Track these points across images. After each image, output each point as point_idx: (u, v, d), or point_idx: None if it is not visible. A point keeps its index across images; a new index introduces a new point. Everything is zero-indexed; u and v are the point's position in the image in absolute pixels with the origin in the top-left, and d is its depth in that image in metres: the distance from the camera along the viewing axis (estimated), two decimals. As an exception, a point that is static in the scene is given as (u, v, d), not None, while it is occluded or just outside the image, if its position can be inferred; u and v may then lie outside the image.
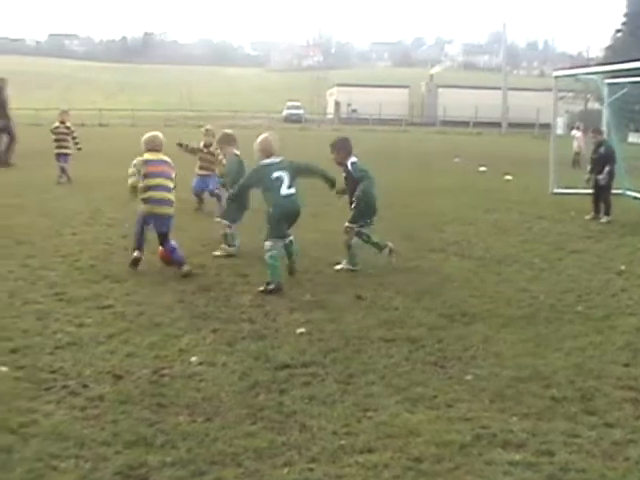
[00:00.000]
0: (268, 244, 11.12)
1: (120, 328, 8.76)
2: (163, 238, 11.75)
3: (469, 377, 7.50)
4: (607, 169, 18.69)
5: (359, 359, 7.96)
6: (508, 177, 28.25)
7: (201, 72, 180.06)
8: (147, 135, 12.09)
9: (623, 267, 12.96)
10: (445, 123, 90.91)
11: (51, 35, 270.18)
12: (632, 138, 48.38)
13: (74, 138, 23.36)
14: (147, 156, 11.66)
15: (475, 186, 25.31)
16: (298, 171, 11.76)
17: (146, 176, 11.51)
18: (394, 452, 5.84)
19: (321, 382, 7.27)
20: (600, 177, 18.66)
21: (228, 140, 14.18)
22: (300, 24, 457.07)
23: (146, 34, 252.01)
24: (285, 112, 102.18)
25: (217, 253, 13.05)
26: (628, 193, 23.64)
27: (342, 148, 12.61)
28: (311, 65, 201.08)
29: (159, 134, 12.08)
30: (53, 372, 7.33)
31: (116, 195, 19.43)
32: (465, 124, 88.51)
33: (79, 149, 23.48)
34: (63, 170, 23.06)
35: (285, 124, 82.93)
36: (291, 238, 11.66)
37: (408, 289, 10.98)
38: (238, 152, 13.84)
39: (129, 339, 8.38)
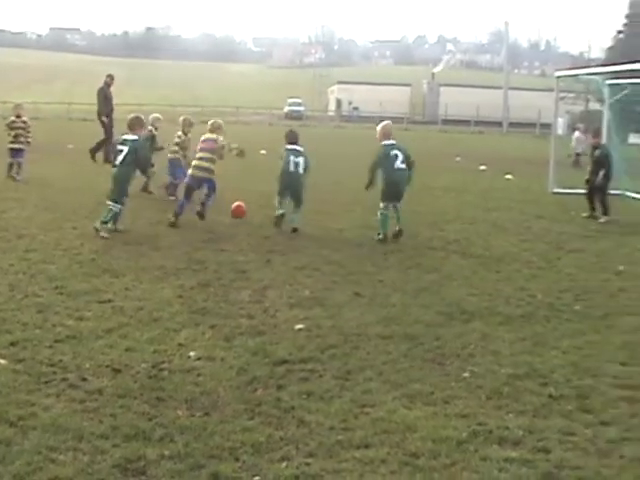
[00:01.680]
0: (382, 205, 14.77)
1: (119, 322, 8.79)
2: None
3: (466, 374, 7.54)
4: (602, 172, 18.76)
5: (357, 355, 8.00)
6: (508, 176, 28.26)
7: (204, 68, 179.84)
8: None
9: (622, 267, 12.98)
10: (446, 122, 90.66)
11: (52, 29, 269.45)
12: (633, 139, 48.29)
13: (28, 133, 22.46)
14: None
15: (476, 185, 25.33)
16: (407, 154, 14.91)
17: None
18: (391, 448, 5.87)
19: (319, 378, 7.30)
20: (596, 179, 18.75)
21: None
22: (302, 21, 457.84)
23: (148, 29, 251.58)
24: (286, 109, 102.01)
25: None
26: (628, 194, 23.64)
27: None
28: (313, 62, 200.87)
29: None
30: (52, 365, 7.35)
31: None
32: (467, 123, 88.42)
33: (28, 142, 22.46)
34: (19, 165, 21.70)
35: (286, 121, 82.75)
36: (397, 205, 14.82)
37: (407, 286, 11.03)
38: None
39: (128, 333, 8.41)
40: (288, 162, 15.56)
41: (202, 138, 15.94)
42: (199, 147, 15.80)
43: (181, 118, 19.94)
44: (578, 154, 35.33)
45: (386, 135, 15.14)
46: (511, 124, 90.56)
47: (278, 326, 8.93)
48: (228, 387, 6.97)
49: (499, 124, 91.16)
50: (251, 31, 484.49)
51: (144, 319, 8.98)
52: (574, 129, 33.98)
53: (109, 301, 9.66)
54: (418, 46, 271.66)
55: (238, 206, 16.52)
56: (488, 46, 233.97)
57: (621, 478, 5.60)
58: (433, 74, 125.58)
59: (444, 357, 8.06)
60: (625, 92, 28.45)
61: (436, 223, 16.75)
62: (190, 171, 15.82)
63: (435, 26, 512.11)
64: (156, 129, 19.51)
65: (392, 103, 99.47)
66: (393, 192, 14.74)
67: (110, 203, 14.20)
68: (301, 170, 15.65)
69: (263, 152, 31.45)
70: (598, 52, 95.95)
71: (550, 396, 7.06)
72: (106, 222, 14.03)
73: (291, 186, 15.65)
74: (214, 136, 15.90)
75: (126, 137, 14.77)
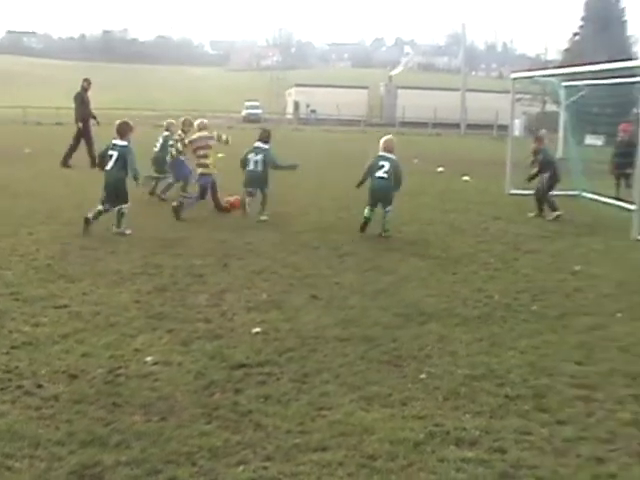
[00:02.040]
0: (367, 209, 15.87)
1: (76, 328, 8.73)
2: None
3: (423, 376, 7.57)
4: (546, 175, 19.06)
5: (314, 358, 8.01)
6: (466, 178, 28.37)
7: (161, 71, 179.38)
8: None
9: (578, 267, 13.08)
10: (404, 124, 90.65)
11: (9, 32, 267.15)
12: (589, 140, 48.74)
13: None
14: None
15: (433, 187, 25.41)
16: (396, 169, 15.92)
17: None
18: (348, 450, 5.88)
19: (276, 381, 7.30)
20: (542, 183, 19.15)
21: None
22: (260, 24, 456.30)
23: (105, 32, 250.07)
24: (244, 112, 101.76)
25: None
26: (584, 194, 23.84)
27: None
28: (270, 65, 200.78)
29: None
30: (8, 372, 7.31)
31: (72, 194, 19.36)
32: (424, 125, 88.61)
33: None
34: None
35: (244, 124, 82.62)
36: (388, 209, 15.74)
37: (364, 288, 11.05)
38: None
39: (85, 339, 8.37)
40: (248, 160, 17.32)
41: (194, 138, 17.76)
42: (195, 146, 17.59)
43: (182, 119, 20.26)
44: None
45: (386, 149, 16.16)
46: (469, 126, 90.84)
47: (235, 330, 8.91)
48: (185, 392, 6.95)
49: (457, 126, 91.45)
50: (208, 34, 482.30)
51: (100, 324, 8.93)
52: (534, 130, 34.05)
53: (65, 306, 9.60)
54: (376, 49, 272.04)
55: (237, 199, 18.16)
56: (445, 48, 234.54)
57: (577, 477, 5.65)
58: (390, 77, 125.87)
59: (401, 359, 8.09)
60: (581, 94, 28.72)
61: (394, 225, 16.76)
62: (201, 170, 17.55)
63: (393, 29, 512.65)
64: (172, 133, 20.02)
65: (350, 106, 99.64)
66: (371, 196, 15.87)
67: (122, 206, 14.87)
68: (259, 167, 17.14)
69: (220, 155, 31.32)
70: (555, 54, 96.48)
71: (507, 396, 7.11)
72: (120, 224, 14.80)
73: (252, 182, 17.39)
74: (206, 133, 17.69)
75: (115, 142, 15.11)
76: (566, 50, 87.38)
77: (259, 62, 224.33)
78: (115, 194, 14.82)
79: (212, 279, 11.32)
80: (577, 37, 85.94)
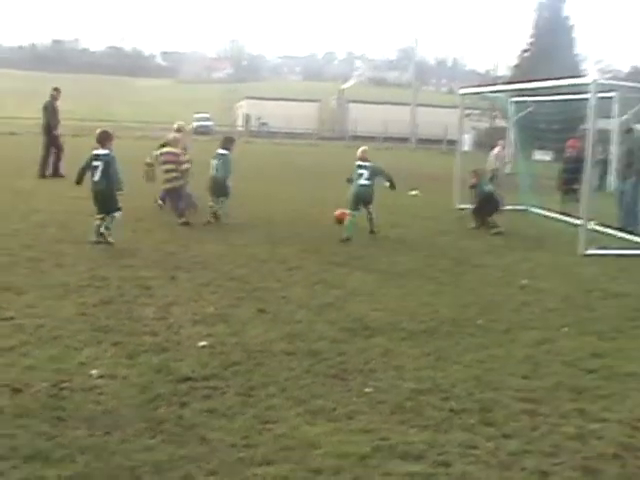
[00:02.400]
0: (348, 211, 17.65)
1: (20, 340, 8.62)
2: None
3: (369, 390, 7.58)
4: (490, 207, 19.78)
5: (260, 372, 7.99)
6: (415, 192, 28.45)
7: (112, 82, 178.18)
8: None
9: (525, 282, 13.20)
10: (355, 138, 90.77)
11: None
12: (538, 155, 49.15)
13: None
14: None
15: (381, 201, 25.42)
16: (375, 172, 18.24)
17: None
18: (293, 464, 5.87)
19: (222, 395, 7.27)
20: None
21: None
22: (211, 35, 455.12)
23: (55, 41, 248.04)
24: (194, 124, 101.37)
25: None
26: (532, 209, 24.06)
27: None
28: (222, 77, 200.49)
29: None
30: (-50, 385, 7.21)
31: (20, 204, 19.16)
32: (375, 139, 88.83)
33: None
34: None
35: (194, 136, 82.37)
36: (370, 211, 17.97)
37: (311, 303, 11.04)
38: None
39: (29, 352, 8.26)
40: (211, 166, 18.56)
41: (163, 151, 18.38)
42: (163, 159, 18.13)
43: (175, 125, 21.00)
44: (495, 170, 35.48)
45: (361, 158, 18.40)
46: (419, 140, 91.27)
47: (182, 343, 8.87)
48: (130, 405, 6.90)
49: (407, 140, 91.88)
50: (160, 45, 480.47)
51: (45, 337, 8.83)
52: (492, 146, 34.18)
53: (10, 319, 9.47)
54: (327, 62, 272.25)
55: (342, 212, 18.82)
56: (396, 63, 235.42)
57: (521, 490, 5.69)
58: (342, 90, 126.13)
59: (347, 373, 8.10)
60: (529, 109, 28.99)
61: (341, 238, 16.78)
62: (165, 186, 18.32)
63: (344, 42, 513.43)
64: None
65: (301, 119, 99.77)
66: (354, 201, 17.71)
67: (114, 214, 15.08)
68: (217, 172, 18.42)
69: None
70: (504, 70, 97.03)
71: (452, 410, 7.14)
72: (109, 228, 14.95)
73: (213, 188, 18.51)
74: (173, 150, 18.33)
75: (97, 152, 15.17)
76: (515, 66, 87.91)
77: (210, 74, 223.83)
78: (105, 203, 14.96)
79: (159, 292, 11.26)
80: (526, 54, 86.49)
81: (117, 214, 15.00)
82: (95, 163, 14.96)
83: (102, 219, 14.86)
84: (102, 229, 14.75)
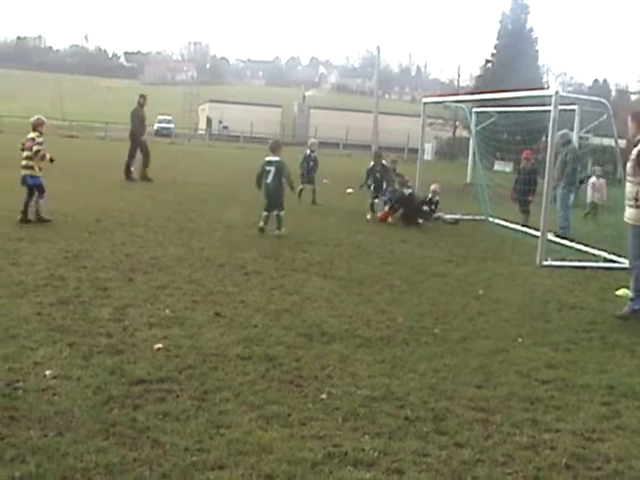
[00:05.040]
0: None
1: (-26, 339, 8.57)
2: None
3: (324, 396, 7.57)
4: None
5: (215, 376, 7.96)
6: (349, 190, 28.72)
7: (74, 81, 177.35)
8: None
9: (481, 291, 13.28)
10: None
11: None
12: (498, 166, 49.52)
13: None
14: None
15: (341, 208, 25.54)
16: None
17: None
18: (245, 469, 5.85)
19: (176, 398, 7.24)
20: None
21: None
22: (175, 38, 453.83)
23: (19, 38, 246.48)
24: (156, 125, 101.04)
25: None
26: (490, 219, 24.22)
27: None
28: (185, 80, 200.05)
29: None
30: None
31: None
32: (336, 145, 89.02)
33: None
34: None
35: (156, 138, 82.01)
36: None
37: (268, 307, 11.03)
38: None
39: (-18, 351, 8.21)
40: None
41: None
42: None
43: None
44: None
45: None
46: (380, 148, 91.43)
47: (137, 345, 8.82)
48: (83, 407, 6.85)
49: (368, 147, 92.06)
50: (123, 45, 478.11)
51: (0, 336, 8.75)
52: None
53: (-36, 317, 9.41)
54: (291, 67, 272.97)
55: (385, 213, 21.28)
56: (360, 70, 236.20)
57: (473, 500, 5.72)
58: (304, 96, 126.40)
59: (302, 379, 8.09)
60: (491, 120, 29.23)
61: (299, 244, 16.80)
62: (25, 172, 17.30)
63: (308, 48, 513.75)
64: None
65: (263, 123, 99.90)
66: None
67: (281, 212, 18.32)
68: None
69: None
70: (468, 80, 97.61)
71: (406, 418, 7.14)
72: (280, 221, 18.26)
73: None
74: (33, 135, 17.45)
75: (270, 159, 18.55)
76: (478, 77, 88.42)
77: (174, 76, 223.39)
78: (275, 201, 18.38)
79: (116, 293, 11.20)
80: (490, 64, 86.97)
81: (282, 212, 18.31)
82: (268, 168, 18.21)
83: (269, 214, 18.25)
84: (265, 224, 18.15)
